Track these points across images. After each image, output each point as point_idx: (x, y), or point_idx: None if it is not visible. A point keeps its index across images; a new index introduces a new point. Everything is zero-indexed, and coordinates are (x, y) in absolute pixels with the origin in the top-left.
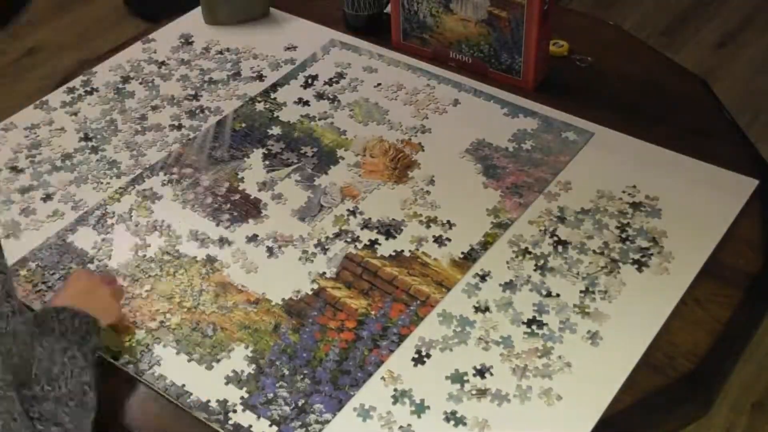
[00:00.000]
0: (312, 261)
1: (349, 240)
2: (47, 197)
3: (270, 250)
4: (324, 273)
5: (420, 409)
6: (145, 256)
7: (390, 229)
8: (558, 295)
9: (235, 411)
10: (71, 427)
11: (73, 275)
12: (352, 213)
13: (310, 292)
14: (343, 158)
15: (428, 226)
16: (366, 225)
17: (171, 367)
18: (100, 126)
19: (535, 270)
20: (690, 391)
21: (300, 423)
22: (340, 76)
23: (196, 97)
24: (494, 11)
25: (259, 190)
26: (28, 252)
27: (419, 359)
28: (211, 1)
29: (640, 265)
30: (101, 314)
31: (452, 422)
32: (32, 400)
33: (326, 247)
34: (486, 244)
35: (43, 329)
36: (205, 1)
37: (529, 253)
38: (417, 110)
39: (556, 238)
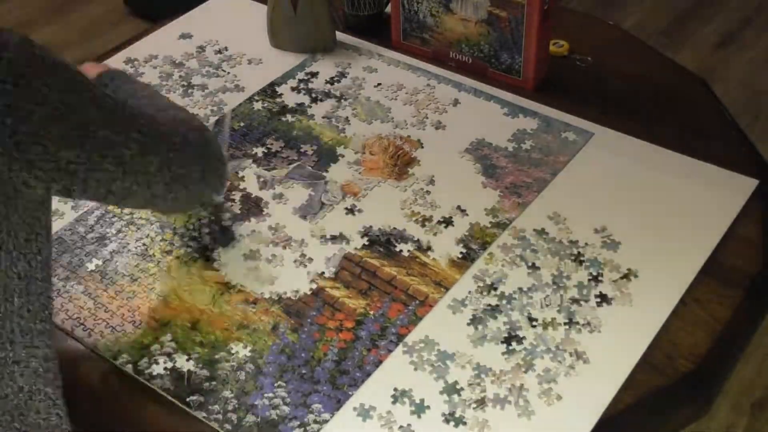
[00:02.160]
0: (311, 261)
1: (348, 240)
2: None
3: (269, 249)
4: (323, 273)
5: (420, 409)
6: (144, 255)
7: (390, 230)
8: (559, 295)
9: (233, 411)
10: None
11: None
12: (352, 212)
13: (309, 292)
14: (342, 156)
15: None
16: (366, 233)
17: (170, 366)
18: None
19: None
20: (690, 391)
21: (299, 423)
22: (341, 75)
23: (195, 96)
24: (494, 11)
25: (260, 189)
26: None
27: None
28: (275, 28)
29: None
30: None
31: (452, 423)
32: None
33: (325, 246)
34: (485, 244)
35: None
36: (270, 26)
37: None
38: (417, 110)
39: None
